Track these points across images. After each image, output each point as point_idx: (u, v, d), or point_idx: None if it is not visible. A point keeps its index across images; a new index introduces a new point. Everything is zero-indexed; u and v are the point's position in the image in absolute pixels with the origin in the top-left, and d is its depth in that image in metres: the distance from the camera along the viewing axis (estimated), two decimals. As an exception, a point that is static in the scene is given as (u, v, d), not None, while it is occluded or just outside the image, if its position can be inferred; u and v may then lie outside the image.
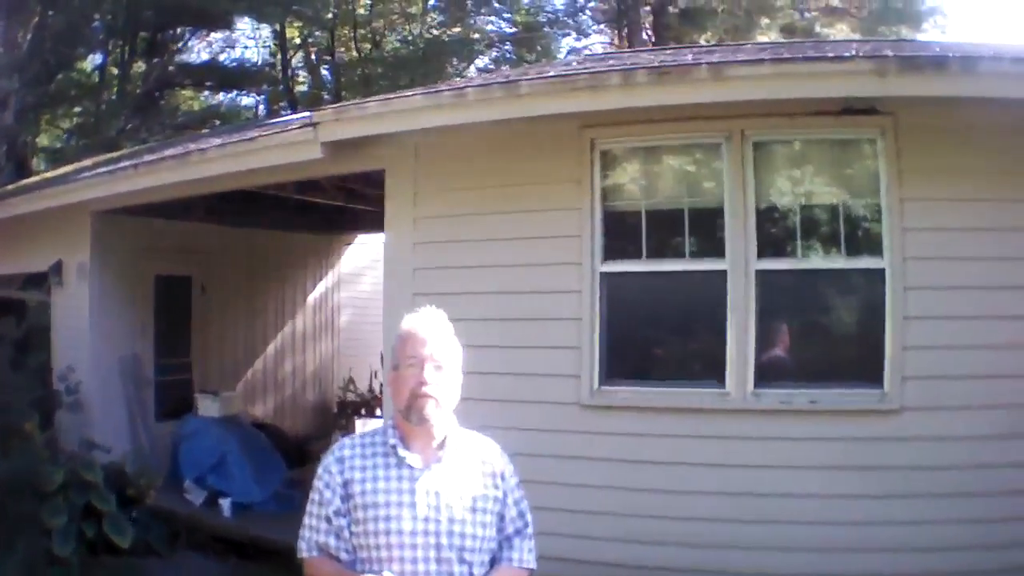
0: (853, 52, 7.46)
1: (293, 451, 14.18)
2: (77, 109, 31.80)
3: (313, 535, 3.63)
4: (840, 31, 28.68)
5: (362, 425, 15.55)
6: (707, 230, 7.96)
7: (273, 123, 14.40)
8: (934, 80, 6.83)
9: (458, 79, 12.03)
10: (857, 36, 26.25)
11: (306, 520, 3.65)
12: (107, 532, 9.62)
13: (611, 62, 9.71)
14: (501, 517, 3.68)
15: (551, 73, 8.55)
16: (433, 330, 3.64)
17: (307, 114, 9.94)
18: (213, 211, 13.64)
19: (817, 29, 28.89)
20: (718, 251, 7.77)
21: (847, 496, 7.28)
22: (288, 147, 9.27)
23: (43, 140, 33.02)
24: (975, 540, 7.00)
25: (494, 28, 35.01)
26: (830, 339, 8.01)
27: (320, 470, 3.68)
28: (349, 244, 17.64)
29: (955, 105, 7.05)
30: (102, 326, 12.68)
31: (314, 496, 3.65)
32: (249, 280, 15.73)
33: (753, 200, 7.69)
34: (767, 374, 7.66)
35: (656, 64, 7.94)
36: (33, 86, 26.28)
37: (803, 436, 7.47)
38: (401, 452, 3.58)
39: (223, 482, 11.74)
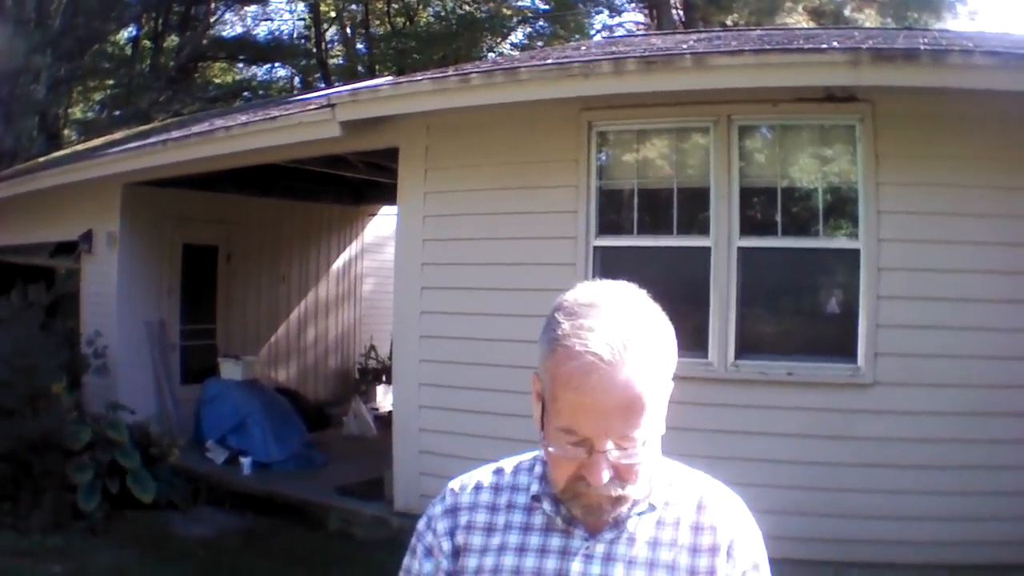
0: (833, 44, 7.81)
1: (314, 415, 14.61)
2: (110, 82, 32.21)
3: None
4: (868, 16, 28.69)
5: (384, 392, 15.95)
6: (694, 208, 8.37)
7: (293, 100, 14.87)
8: (905, 70, 7.15)
9: (467, 64, 12.31)
10: (874, 24, 26.31)
11: None
12: (130, 488, 10.01)
13: (613, 48, 10.12)
14: None
15: (549, 60, 9.03)
16: (618, 366, 1.82)
17: (324, 94, 10.38)
18: (240, 183, 14.12)
19: (847, 13, 28.86)
20: (703, 229, 8.19)
21: (820, 463, 7.68)
22: (309, 126, 9.81)
23: (75, 112, 33.42)
24: (944, 511, 7.38)
25: (528, 4, 35.23)
26: (808, 315, 8.43)
27: (420, 522, 2.21)
28: (373, 215, 18.02)
29: (932, 94, 7.38)
30: (129, 293, 13.17)
31: (406, 562, 2.21)
32: (274, 249, 16.16)
33: (737, 181, 8.09)
34: (747, 346, 8.09)
35: (645, 53, 8.36)
36: (66, 59, 26.67)
37: (780, 405, 7.89)
38: (548, 508, 2.04)
39: (244, 442, 12.17)
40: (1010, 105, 7.16)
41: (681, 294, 8.47)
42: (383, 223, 17.65)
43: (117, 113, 29.30)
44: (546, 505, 2.03)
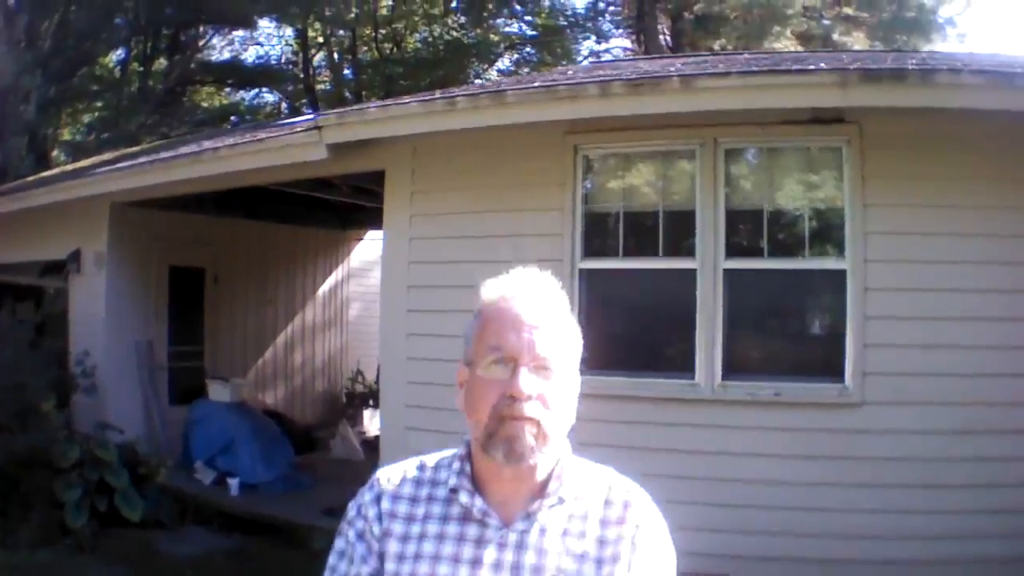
0: (821, 65, 7.86)
1: (301, 438, 14.61)
2: (98, 104, 32.27)
3: None
4: (857, 39, 28.77)
5: (370, 417, 15.97)
6: (680, 231, 8.37)
7: (280, 124, 14.86)
8: (893, 90, 7.21)
9: (454, 88, 12.35)
10: (863, 47, 26.41)
11: None
12: (118, 506, 10.08)
13: (599, 72, 10.16)
14: None
15: (535, 84, 9.04)
16: (535, 304, 2.24)
17: (311, 117, 10.41)
18: (227, 205, 14.14)
19: (836, 37, 28.90)
20: (689, 251, 8.21)
21: (809, 484, 7.67)
22: (296, 148, 9.77)
23: (64, 134, 33.43)
24: (933, 530, 7.36)
25: (515, 30, 35.27)
26: (795, 336, 8.48)
27: (351, 509, 2.36)
28: (359, 240, 18.04)
29: (919, 114, 7.41)
30: (118, 313, 13.11)
31: (339, 545, 2.34)
32: (260, 272, 16.16)
33: (723, 203, 8.11)
34: (735, 367, 8.09)
35: (632, 75, 8.40)
36: (55, 81, 26.72)
37: (767, 426, 7.89)
38: (464, 499, 2.23)
39: (231, 463, 12.18)
40: (999, 124, 7.19)
41: (668, 316, 8.53)
42: (369, 248, 17.68)
43: (105, 135, 29.28)
44: (463, 497, 2.23)
